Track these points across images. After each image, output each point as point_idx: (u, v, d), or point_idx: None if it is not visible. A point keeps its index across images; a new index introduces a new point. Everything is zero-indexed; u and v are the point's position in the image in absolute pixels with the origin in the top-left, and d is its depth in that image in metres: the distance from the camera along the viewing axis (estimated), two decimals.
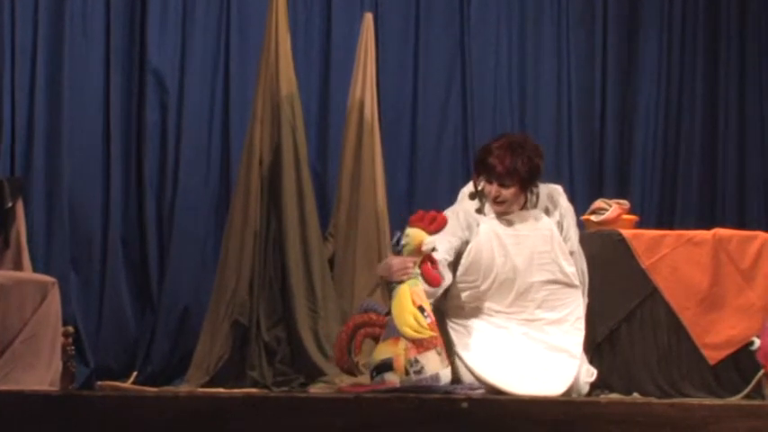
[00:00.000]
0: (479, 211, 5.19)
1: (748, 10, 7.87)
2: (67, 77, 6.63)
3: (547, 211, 5.23)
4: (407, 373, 4.63)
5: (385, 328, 4.72)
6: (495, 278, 5.10)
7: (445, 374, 4.70)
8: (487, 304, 5.12)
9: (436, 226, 4.85)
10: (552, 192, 5.28)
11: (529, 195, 5.19)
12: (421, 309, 4.74)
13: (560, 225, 5.22)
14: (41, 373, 5.15)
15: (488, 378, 4.93)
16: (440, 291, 4.99)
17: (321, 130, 7.08)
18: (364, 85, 6.26)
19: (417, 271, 4.82)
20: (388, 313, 4.75)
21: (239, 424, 3.79)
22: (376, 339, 4.76)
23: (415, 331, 4.69)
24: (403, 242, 4.82)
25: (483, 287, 5.11)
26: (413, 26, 7.36)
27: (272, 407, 3.85)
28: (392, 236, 5.43)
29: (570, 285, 5.16)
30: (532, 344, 5.07)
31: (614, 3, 7.73)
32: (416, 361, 4.64)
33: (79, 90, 6.68)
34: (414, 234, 4.82)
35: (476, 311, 5.12)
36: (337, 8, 7.18)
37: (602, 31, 7.70)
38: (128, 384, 6.08)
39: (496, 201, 5.12)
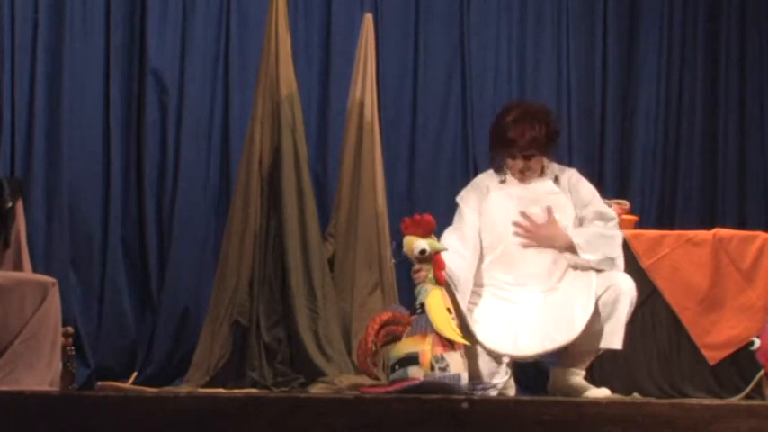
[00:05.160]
0: (503, 181, 5.28)
1: (748, 9, 7.87)
2: (67, 78, 6.63)
3: (556, 180, 5.31)
4: (432, 368, 4.67)
5: (410, 327, 4.79)
6: (507, 243, 5.18)
7: (465, 377, 4.76)
8: (495, 274, 5.20)
9: (423, 228, 4.94)
10: (562, 167, 5.43)
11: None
12: (448, 310, 4.82)
13: (575, 187, 5.30)
14: (41, 373, 5.14)
15: (494, 347, 5.03)
16: (459, 284, 5.09)
17: (321, 131, 7.08)
18: (364, 86, 6.25)
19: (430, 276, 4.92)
20: (414, 313, 4.81)
21: (239, 424, 3.79)
22: (396, 338, 4.80)
23: (451, 332, 4.75)
24: (404, 253, 4.98)
25: (498, 250, 5.19)
26: (413, 26, 7.36)
27: (272, 407, 3.85)
28: (391, 239, 5.54)
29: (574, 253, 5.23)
30: (543, 304, 5.15)
31: (614, 2, 7.73)
32: (442, 358, 4.71)
33: (79, 90, 6.68)
34: (406, 242, 4.98)
35: (492, 280, 5.21)
36: (337, 9, 7.18)
37: (602, 30, 7.70)
38: (128, 385, 6.08)
39: (522, 172, 5.20)
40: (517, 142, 5.18)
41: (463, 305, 5.09)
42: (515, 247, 5.23)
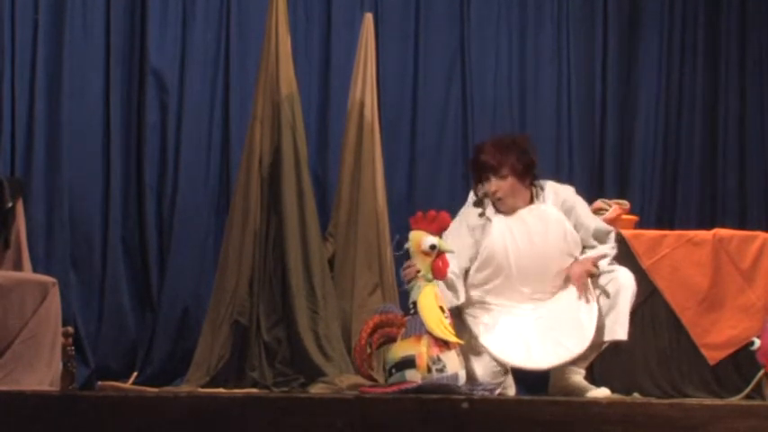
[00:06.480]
0: (482, 215, 5.28)
1: (748, 10, 7.87)
2: (67, 78, 6.63)
3: (554, 201, 5.34)
4: (429, 370, 4.67)
5: (404, 328, 4.78)
6: (508, 273, 5.19)
7: (462, 375, 4.75)
8: (497, 298, 5.21)
9: (437, 225, 4.93)
10: (559, 188, 5.41)
11: (533, 190, 5.28)
12: (441, 309, 4.81)
13: (569, 211, 5.31)
14: (41, 373, 5.15)
15: (507, 359, 5.02)
16: (451, 292, 5.11)
17: (321, 131, 7.08)
18: (364, 86, 6.25)
19: (430, 276, 4.91)
20: (407, 314, 4.80)
21: (239, 424, 3.79)
22: (392, 340, 4.80)
23: (443, 331, 4.75)
24: (406, 246, 4.93)
25: (496, 282, 5.19)
26: (413, 26, 7.36)
27: (272, 407, 3.86)
28: (392, 238, 5.53)
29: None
30: (546, 313, 5.14)
31: (614, 2, 7.73)
32: (439, 359, 4.70)
33: (79, 91, 6.68)
34: (412, 236, 4.95)
35: (488, 302, 5.21)
36: (337, 9, 7.18)
37: (603, 30, 7.70)
38: (128, 385, 6.08)
39: (496, 196, 5.22)
40: (488, 163, 5.28)
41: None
42: (516, 274, 5.24)
